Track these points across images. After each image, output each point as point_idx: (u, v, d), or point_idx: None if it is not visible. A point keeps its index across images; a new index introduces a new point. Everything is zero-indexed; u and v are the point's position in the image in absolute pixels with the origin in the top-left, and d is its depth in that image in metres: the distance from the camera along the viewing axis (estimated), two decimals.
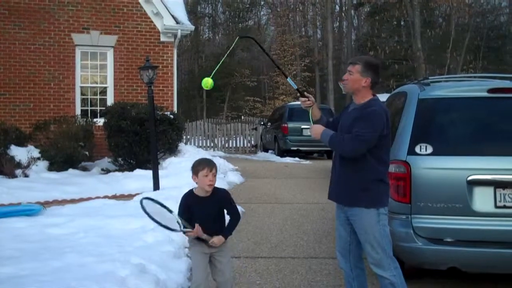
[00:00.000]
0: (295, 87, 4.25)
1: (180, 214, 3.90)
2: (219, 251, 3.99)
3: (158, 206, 3.86)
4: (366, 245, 3.74)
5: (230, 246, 4.23)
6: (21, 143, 12.16)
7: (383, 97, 4.03)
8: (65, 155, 11.69)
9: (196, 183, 3.93)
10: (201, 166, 3.88)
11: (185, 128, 16.04)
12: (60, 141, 11.94)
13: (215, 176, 3.90)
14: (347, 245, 3.94)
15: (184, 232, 3.84)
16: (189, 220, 3.85)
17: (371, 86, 3.75)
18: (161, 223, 3.76)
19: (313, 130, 4.00)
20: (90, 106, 14.01)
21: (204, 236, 3.83)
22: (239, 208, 8.36)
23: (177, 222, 3.80)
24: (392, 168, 4.52)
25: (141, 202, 3.80)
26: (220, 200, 3.97)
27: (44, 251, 5.53)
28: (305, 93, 4.12)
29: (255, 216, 8.18)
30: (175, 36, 14.22)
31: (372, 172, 3.69)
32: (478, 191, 4.37)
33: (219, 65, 4.59)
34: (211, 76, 3.89)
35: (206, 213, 3.89)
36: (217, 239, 3.86)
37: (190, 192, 4.01)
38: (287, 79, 4.27)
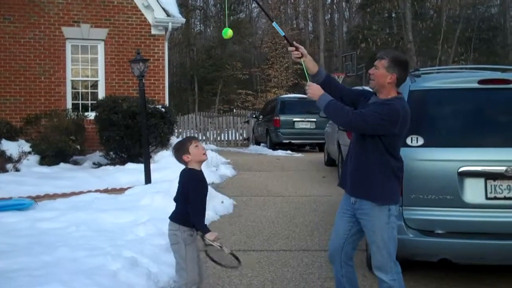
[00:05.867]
0: (283, 33, 3.91)
1: (205, 193, 3.73)
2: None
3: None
4: (372, 245, 3.64)
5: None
6: (11, 137, 12.11)
7: None
8: (56, 149, 11.64)
9: (188, 162, 3.75)
10: (188, 140, 3.77)
11: (177, 121, 15.96)
12: (51, 135, 11.88)
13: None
14: (342, 242, 3.79)
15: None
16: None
17: (396, 83, 3.58)
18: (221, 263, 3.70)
19: (311, 90, 3.71)
20: (81, 100, 13.91)
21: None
22: (231, 201, 8.41)
23: (231, 254, 3.65)
24: None
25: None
26: None
27: (35, 245, 5.52)
28: (294, 42, 3.81)
29: (247, 209, 8.18)
30: (166, 29, 14.13)
31: (387, 166, 3.55)
32: (469, 183, 4.38)
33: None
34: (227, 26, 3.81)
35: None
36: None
37: (194, 169, 3.77)
38: (273, 24, 3.95)
